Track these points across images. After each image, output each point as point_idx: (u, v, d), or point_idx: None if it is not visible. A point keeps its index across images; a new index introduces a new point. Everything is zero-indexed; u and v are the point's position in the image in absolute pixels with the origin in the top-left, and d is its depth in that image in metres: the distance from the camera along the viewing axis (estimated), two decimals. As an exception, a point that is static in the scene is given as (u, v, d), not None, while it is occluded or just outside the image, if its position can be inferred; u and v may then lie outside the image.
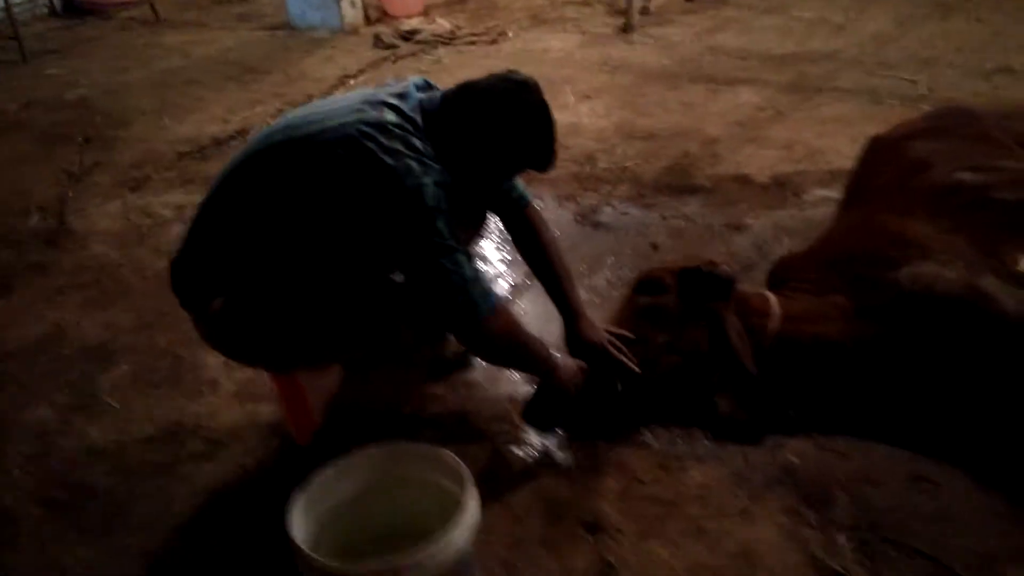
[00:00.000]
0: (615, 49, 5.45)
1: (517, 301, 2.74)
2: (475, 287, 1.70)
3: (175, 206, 3.63)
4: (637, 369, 1.99)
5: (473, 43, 5.89)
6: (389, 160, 1.63)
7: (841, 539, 1.69)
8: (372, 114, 1.69)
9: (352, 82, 5.29)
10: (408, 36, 6.05)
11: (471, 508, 1.46)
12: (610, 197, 3.44)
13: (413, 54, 5.79)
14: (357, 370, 1.75)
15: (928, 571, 1.60)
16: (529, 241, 2.13)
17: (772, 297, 2.13)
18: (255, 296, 1.74)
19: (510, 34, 6.05)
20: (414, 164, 1.64)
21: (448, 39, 6.04)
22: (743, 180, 3.44)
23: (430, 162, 1.68)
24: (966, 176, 2.18)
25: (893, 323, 1.95)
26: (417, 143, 1.68)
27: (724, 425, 2.00)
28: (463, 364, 2.35)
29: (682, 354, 2.04)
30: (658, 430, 2.07)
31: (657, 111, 4.32)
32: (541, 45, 5.80)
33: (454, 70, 5.29)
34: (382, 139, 1.65)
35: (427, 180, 1.64)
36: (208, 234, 1.78)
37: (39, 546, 1.88)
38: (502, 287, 2.81)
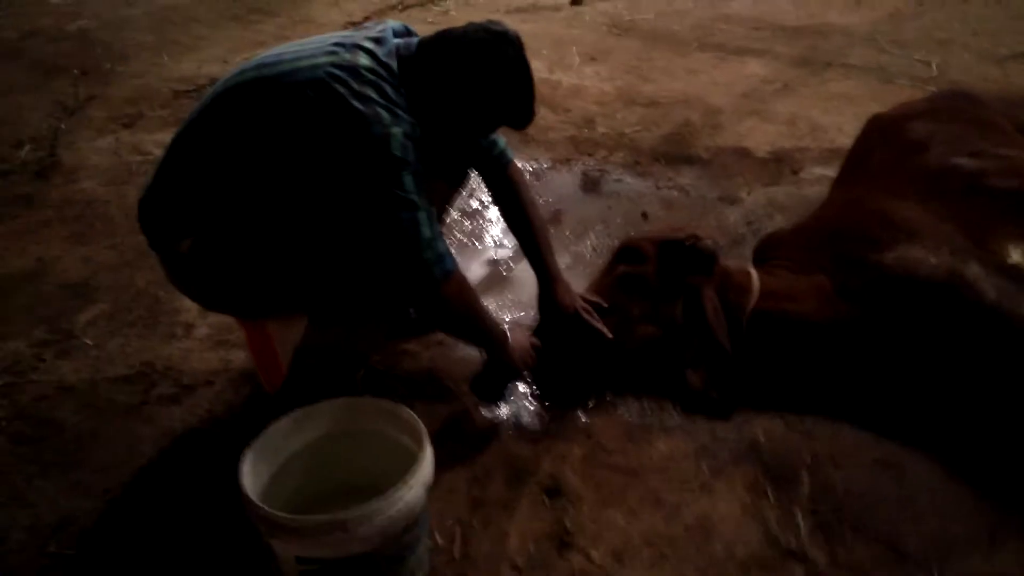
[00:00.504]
0: (626, 11, 5.34)
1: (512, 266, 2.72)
2: (432, 247, 1.64)
3: (167, 145, 3.58)
4: (609, 334, 1.97)
5: (477, -4, 5.78)
6: (358, 105, 1.58)
7: (800, 518, 1.69)
8: (345, 56, 1.64)
9: (362, 26, 5.19)
10: (418, -15, 5.92)
11: (424, 466, 1.45)
12: (606, 163, 3.39)
13: (421, 3, 5.68)
14: (329, 322, 1.71)
15: (883, 554, 1.60)
16: (509, 201, 2.09)
17: (754, 273, 2.10)
18: (222, 239, 1.70)
19: (521, -10, 5.93)
20: (384, 112, 1.59)
21: (457, -11, 5.92)
22: (742, 153, 3.38)
23: (401, 112, 1.62)
24: (963, 161, 2.13)
25: (872, 304, 1.93)
26: (389, 91, 1.63)
27: (694, 399, 1.98)
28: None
29: (657, 326, 2.02)
30: (629, 400, 2.06)
31: (662, 77, 4.24)
32: (551, 1, 5.68)
33: (462, 22, 5.18)
34: (353, 83, 1.59)
35: (396, 130, 1.59)
36: (177, 172, 1.74)
37: (1, 477, 1.88)
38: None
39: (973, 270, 1.88)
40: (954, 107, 2.36)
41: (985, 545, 1.59)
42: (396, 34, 1.76)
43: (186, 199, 1.72)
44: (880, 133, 2.40)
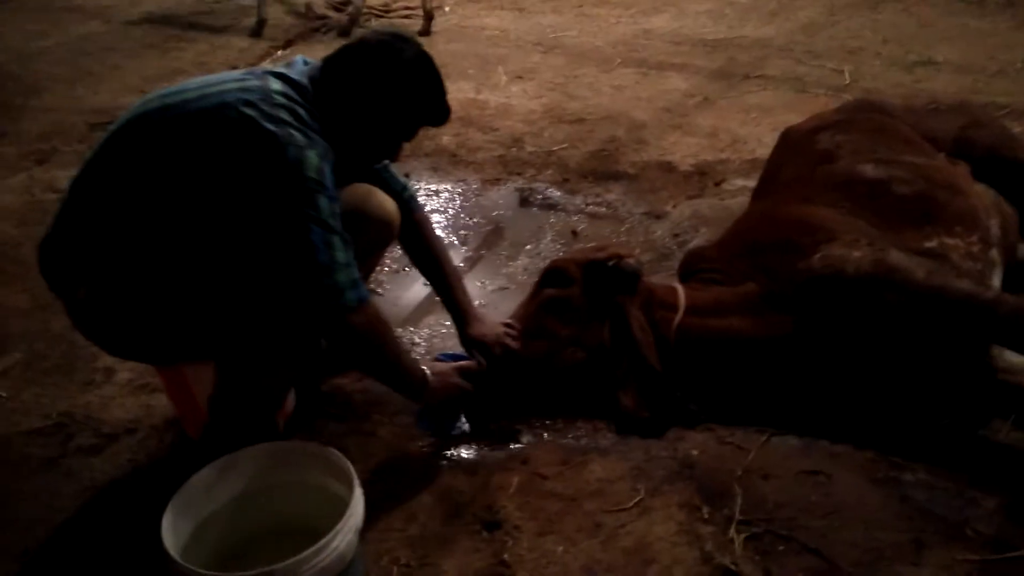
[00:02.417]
0: (550, 29, 5.39)
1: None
2: (343, 272, 1.58)
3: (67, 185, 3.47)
4: (531, 357, 1.98)
5: (407, 17, 5.74)
6: (271, 127, 1.54)
7: (735, 534, 1.70)
8: (255, 83, 1.61)
9: (279, 53, 5.12)
10: (340, 7, 5.87)
11: (355, 511, 1.42)
12: (535, 181, 3.41)
13: (342, 29, 5.62)
14: (237, 366, 1.66)
15: (815, 566, 1.62)
16: (417, 242, 2.12)
17: (680, 289, 2.13)
18: (118, 285, 1.64)
19: (447, 8, 5.92)
20: (297, 134, 1.56)
21: (382, 11, 5.88)
22: (666, 167, 3.43)
23: (315, 135, 1.60)
24: (868, 168, 2.21)
25: (803, 309, 1.97)
26: (303, 113, 1.60)
27: (627, 420, 1.99)
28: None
29: (585, 348, 2.03)
30: (563, 424, 2.05)
31: (588, 94, 4.28)
32: (477, 22, 5.68)
33: (385, 45, 5.16)
34: (264, 106, 1.56)
35: (311, 152, 1.56)
36: (74, 215, 1.67)
37: (-91, 544, 1.78)
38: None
39: (896, 256, 1.94)
40: (861, 117, 2.44)
41: (911, 552, 1.62)
42: (304, 63, 1.74)
43: (83, 243, 1.65)
44: (792, 145, 2.47)
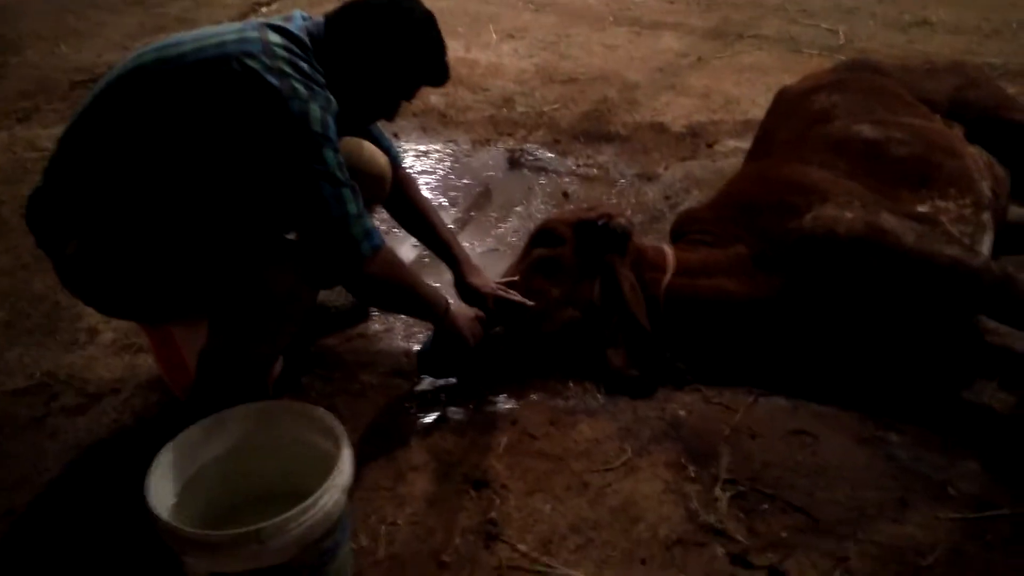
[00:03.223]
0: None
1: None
2: (357, 223, 1.60)
3: (58, 139, 3.41)
4: (529, 303, 1.97)
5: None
6: (273, 80, 1.52)
7: (720, 493, 1.71)
8: (254, 35, 1.58)
9: (264, 10, 5.02)
10: (328, -36, 5.75)
11: (342, 470, 1.41)
12: (526, 142, 3.37)
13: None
14: (230, 323, 1.64)
15: (799, 524, 1.63)
16: (402, 200, 2.10)
17: (669, 250, 2.12)
18: (110, 239, 1.61)
19: (436, -35, 5.81)
20: (300, 87, 1.54)
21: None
22: (659, 128, 3.40)
23: (317, 88, 1.58)
24: (864, 129, 2.19)
25: (794, 269, 1.96)
26: (304, 66, 1.58)
27: (616, 379, 1.99)
28: (358, 316, 2.29)
29: (575, 307, 2.02)
30: (552, 384, 2.05)
31: (580, 53, 4.22)
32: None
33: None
34: (265, 59, 1.54)
35: (314, 105, 1.54)
36: (66, 168, 1.64)
37: None
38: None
39: (887, 219, 1.94)
40: (856, 77, 2.41)
41: (895, 510, 1.64)
42: (303, 17, 1.70)
43: (75, 196, 1.62)
44: (787, 106, 2.44)
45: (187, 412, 1.62)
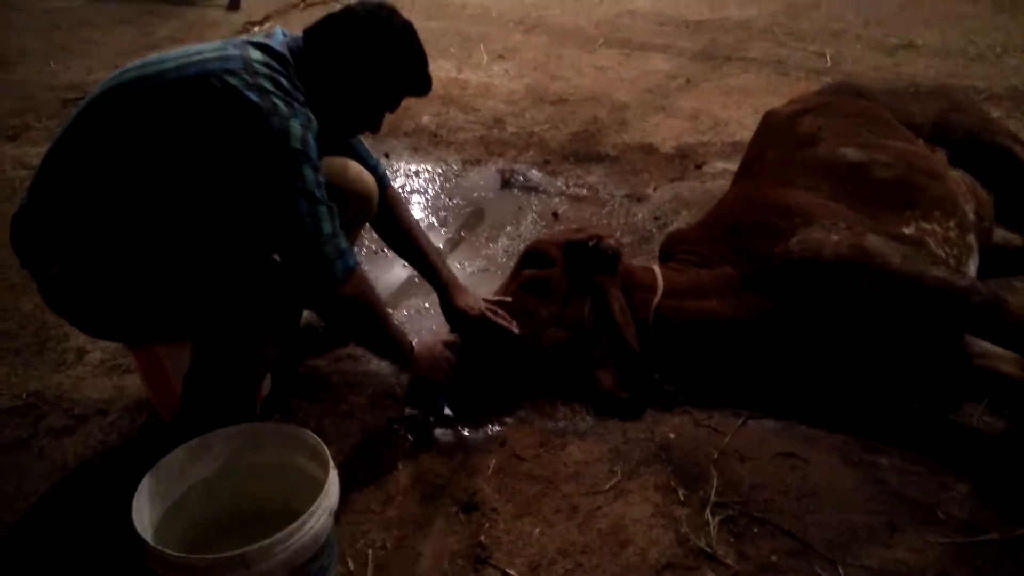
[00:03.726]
0: (533, 7, 5.34)
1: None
2: (331, 242, 1.59)
3: (41, 158, 3.41)
4: (516, 330, 1.97)
5: (388, -6, 5.67)
6: (254, 97, 1.52)
7: (709, 517, 1.71)
8: (235, 52, 1.58)
9: (256, 30, 5.04)
10: (320, -17, 5.78)
11: (329, 493, 1.41)
12: (516, 163, 3.39)
13: (324, 1, 5.54)
14: (214, 344, 1.63)
15: (789, 548, 1.63)
16: (390, 221, 2.10)
17: (658, 271, 2.13)
18: (93, 261, 1.60)
19: (427, -16, 5.86)
20: (281, 104, 1.54)
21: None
22: (648, 149, 3.42)
23: (299, 105, 1.58)
24: (849, 152, 2.21)
25: (781, 292, 1.97)
26: (285, 83, 1.59)
27: (605, 401, 1.99)
28: (346, 337, 2.28)
29: (565, 328, 2.02)
30: (542, 405, 2.05)
31: (570, 74, 4.26)
32: (461, -1, 5.64)
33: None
34: (246, 75, 1.54)
35: (294, 122, 1.54)
36: (48, 188, 1.63)
37: None
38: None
39: (873, 241, 1.95)
40: (842, 101, 2.44)
41: (884, 534, 1.64)
42: (283, 34, 1.71)
43: (58, 216, 1.62)
44: (773, 128, 2.46)
45: (174, 434, 1.61)
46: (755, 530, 1.67)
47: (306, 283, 1.63)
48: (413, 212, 2.91)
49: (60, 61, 4.53)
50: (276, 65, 1.61)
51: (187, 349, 1.69)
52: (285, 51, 1.65)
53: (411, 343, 1.84)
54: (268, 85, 1.56)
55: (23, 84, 4.21)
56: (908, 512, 1.69)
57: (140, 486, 1.42)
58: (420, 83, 1.79)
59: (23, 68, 4.43)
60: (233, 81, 1.53)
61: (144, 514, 1.40)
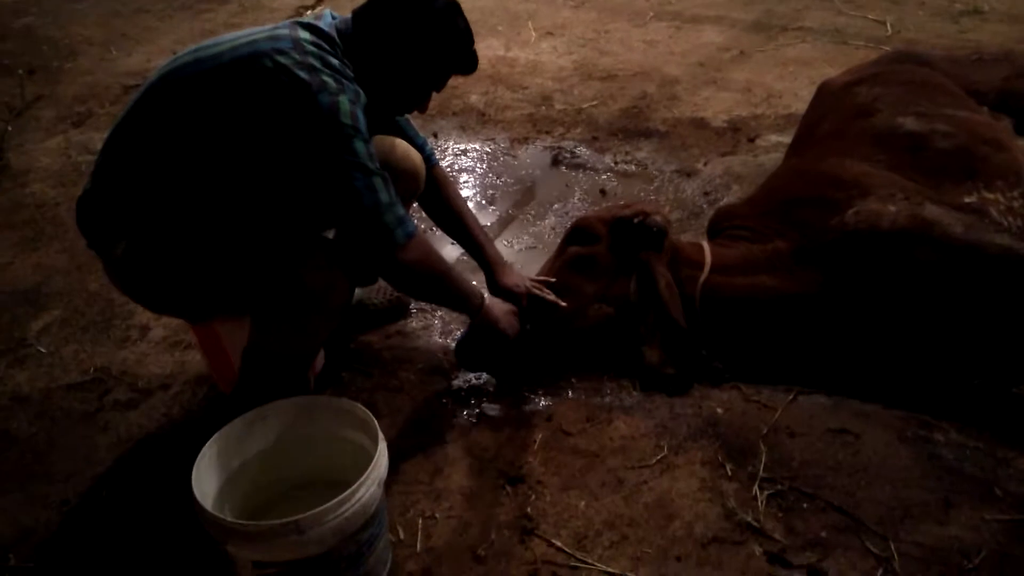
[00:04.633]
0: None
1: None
2: (390, 211, 1.63)
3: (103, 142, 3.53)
4: (563, 303, 1.97)
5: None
6: (303, 74, 1.56)
7: (757, 492, 1.70)
8: (285, 32, 1.62)
9: (309, 13, 5.09)
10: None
11: (378, 464, 1.44)
12: (564, 140, 3.37)
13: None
14: (272, 320, 1.68)
15: (838, 524, 1.61)
16: (437, 199, 2.11)
17: (706, 247, 2.10)
18: (156, 240, 1.66)
19: (477, -37, 5.83)
20: (330, 80, 1.57)
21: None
22: (699, 124, 3.37)
23: (347, 82, 1.61)
24: (908, 122, 2.14)
25: (836, 266, 1.93)
26: (333, 61, 1.62)
27: (652, 377, 1.99)
28: (397, 314, 2.32)
29: (610, 305, 2.02)
30: (588, 380, 2.05)
31: (619, 49, 4.20)
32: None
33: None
34: (296, 55, 1.57)
35: (343, 98, 1.57)
36: (111, 171, 1.70)
37: (-43, 493, 1.85)
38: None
39: (933, 210, 1.90)
40: (900, 69, 2.36)
41: (939, 511, 1.61)
42: (332, 16, 1.74)
43: (120, 199, 1.68)
44: (828, 99, 2.40)
45: (232, 406, 1.67)
46: (804, 505, 1.66)
47: (370, 253, 1.68)
48: (461, 191, 2.93)
49: (121, 48, 4.65)
50: (325, 44, 1.64)
51: (244, 325, 1.75)
52: (333, 32, 1.69)
53: (482, 294, 1.91)
54: (317, 63, 1.59)
55: (86, 72, 4.35)
56: (964, 489, 1.66)
57: (200, 456, 1.48)
58: (466, 61, 1.80)
59: (86, 56, 4.57)
60: (283, 60, 1.57)
61: (204, 483, 1.46)
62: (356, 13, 1.74)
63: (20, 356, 2.30)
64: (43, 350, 2.31)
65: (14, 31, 5.03)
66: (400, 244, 1.66)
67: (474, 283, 1.99)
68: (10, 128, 3.71)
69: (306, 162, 1.61)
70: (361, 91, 1.64)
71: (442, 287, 1.83)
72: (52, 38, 4.86)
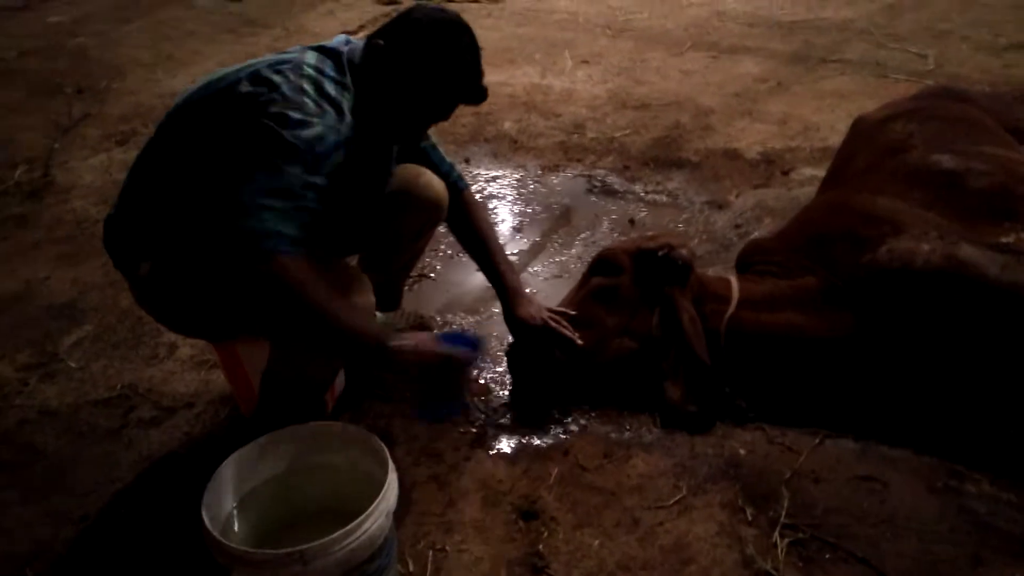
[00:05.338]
0: (620, 11, 5.30)
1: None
2: (262, 221, 1.45)
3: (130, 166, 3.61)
4: (579, 341, 1.94)
5: (477, 0, 5.74)
6: (289, 92, 1.53)
7: (778, 539, 1.65)
8: (292, 56, 1.62)
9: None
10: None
11: (387, 496, 1.43)
12: (595, 168, 3.36)
13: (415, 11, 5.66)
14: (289, 345, 1.68)
15: (862, 576, 1.56)
16: (464, 223, 2.09)
17: (734, 281, 2.07)
18: (177, 262, 1.68)
19: (518, -10, 5.90)
20: (310, 103, 1.53)
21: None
22: (732, 155, 3.34)
23: (333, 111, 1.56)
24: (944, 159, 2.09)
25: (866, 305, 1.88)
26: (330, 88, 1.58)
27: (673, 414, 1.95)
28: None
29: (632, 338, 1.99)
30: (607, 415, 2.02)
31: (655, 79, 4.20)
32: (547, 4, 5.64)
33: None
34: (291, 74, 1.56)
35: (318, 123, 1.51)
36: (135, 194, 1.73)
37: (-20, 504, 1.88)
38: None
39: (968, 250, 1.84)
40: (937, 105, 2.31)
41: (967, 567, 1.54)
42: (347, 41, 1.73)
43: (143, 221, 1.71)
44: (863, 134, 2.36)
45: (251, 429, 1.67)
46: (826, 556, 1.60)
47: (234, 252, 1.49)
48: (490, 218, 2.93)
49: (167, 70, 4.79)
50: (328, 69, 1.61)
51: (265, 347, 1.75)
52: (342, 47, 1.67)
53: (379, 334, 1.58)
54: (309, 87, 1.56)
55: (132, 92, 4.47)
56: (996, 544, 1.59)
57: (212, 479, 1.48)
58: (473, 92, 1.74)
59: (133, 76, 4.70)
60: (276, 78, 1.56)
61: (214, 507, 1.45)
62: (368, 38, 1.72)
63: (51, 371, 2.34)
64: (73, 365, 2.35)
65: (66, 51, 5.20)
66: (277, 251, 1.46)
67: (373, 321, 1.73)
68: (57, 145, 3.82)
69: (236, 149, 1.52)
70: (348, 123, 1.59)
71: (311, 312, 1.50)
72: (102, 59, 5.02)
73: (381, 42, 1.66)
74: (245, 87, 1.58)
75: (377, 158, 1.81)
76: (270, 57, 1.66)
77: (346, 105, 1.61)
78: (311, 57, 1.63)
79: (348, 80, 1.64)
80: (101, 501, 1.88)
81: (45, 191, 3.41)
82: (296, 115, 1.51)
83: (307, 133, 1.51)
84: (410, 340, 1.59)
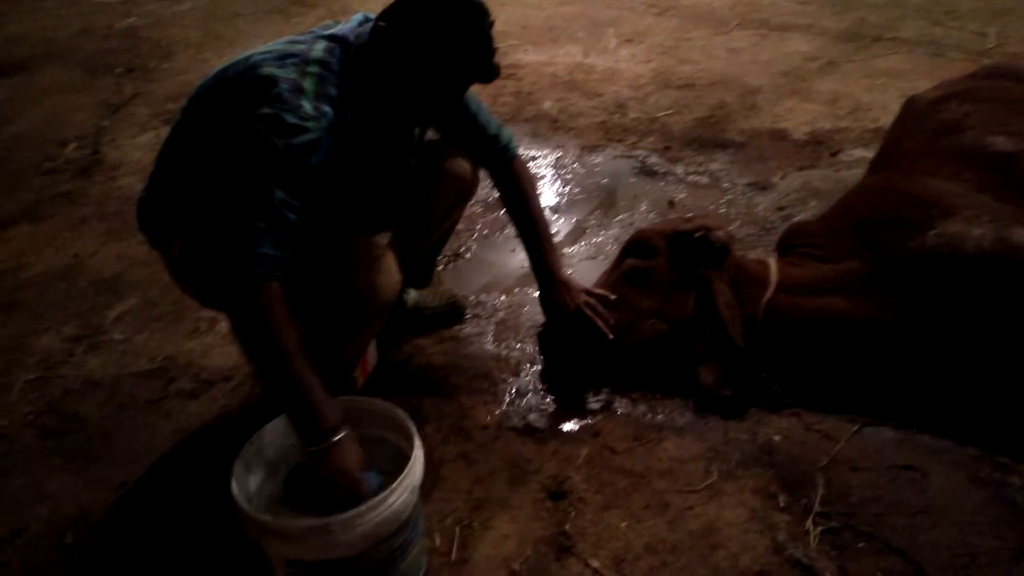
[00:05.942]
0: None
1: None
2: (252, 237, 1.44)
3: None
4: (610, 334, 1.91)
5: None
6: (286, 92, 1.48)
7: (811, 526, 1.61)
8: (302, 46, 1.57)
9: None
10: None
11: (413, 471, 1.43)
12: (635, 148, 3.31)
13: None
14: (316, 322, 1.69)
15: (896, 567, 1.51)
16: (512, 195, 2.04)
17: (773, 264, 2.02)
18: (205, 241, 1.70)
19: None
20: (306, 104, 1.49)
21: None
22: (778, 136, 3.25)
23: (328, 108, 1.52)
24: (999, 141, 2.00)
25: (913, 290, 1.83)
26: (332, 89, 1.54)
27: (707, 398, 1.92)
28: (452, 318, 2.32)
29: (666, 321, 1.96)
30: (639, 397, 2.00)
31: (700, 57, 4.11)
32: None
33: (495, 10, 5.11)
34: (293, 72, 1.52)
35: (312, 128, 1.49)
36: (163, 175, 1.75)
37: (26, 469, 1.94)
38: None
39: (1021, 234, 1.77)
40: (993, 85, 2.21)
41: (1009, 561, 1.49)
42: (365, 19, 1.67)
43: (172, 202, 1.73)
44: (915, 114, 2.27)
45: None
46: (860, 545, 1.56)
47: (222, 270, 1.48)
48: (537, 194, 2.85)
49: (214, 50, 4.85)
50: (333, 61, 1.57)
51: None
52: (351, 34, 1.61)
53: (337, 420, 1.45)
54: (309, 85, 1.52)
55: (180, 71, 4.54)
56: (1038, 538, 1.53)
57: (241, 451, 1.51)
58: (482, 69, 1.65)
59: (181, 56, 4.78)
60: (278, 72, 1.51)
61: (243, 478, 1.48)
62: (375, 19, 1.64)
63: (96, 342, 2.40)
64: (117, 337, 2.41)
65: (118, 32, 5.31)
66: (260, 274, 1.45)
67: (333, 402, 1.48)
68: (107, 123, 3.90)
69: (229, 154, 1.49)
70: (349, 119, 1.56)
71: (272, 356, 1.45)
72: (152, 38, 5.11)
73: (383, 24, 1.60)
74: (248, 78, 1.54)
75: (394, 139, 1.79)
76: (281, 45, 1.61)
77: (349, 98, 1.57)
78: (319, 49, 1.57)
79: (353, 69, 1.59)
80: (140, 470, 1.92)
81: (94, 168, 3.49)
82: (291, 119, 1.47)
83: (300, 140, 1.47)
84: (349, 449, 1.45)
